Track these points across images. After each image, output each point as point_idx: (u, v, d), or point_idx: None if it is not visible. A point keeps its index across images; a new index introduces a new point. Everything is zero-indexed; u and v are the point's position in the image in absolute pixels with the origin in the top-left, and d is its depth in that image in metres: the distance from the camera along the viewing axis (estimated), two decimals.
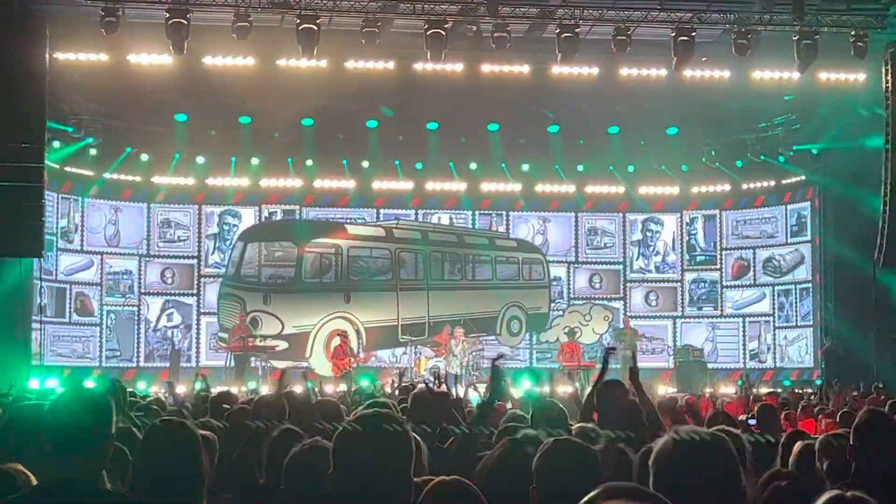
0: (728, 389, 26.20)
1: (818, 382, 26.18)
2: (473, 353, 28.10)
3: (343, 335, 27.48)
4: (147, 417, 8.90)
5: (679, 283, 32.24)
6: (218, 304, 30.21)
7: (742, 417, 13.61)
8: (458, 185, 31.19)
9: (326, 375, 27.74)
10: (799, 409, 15.63)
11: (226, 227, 30.63)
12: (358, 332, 30.11)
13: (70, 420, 4.52)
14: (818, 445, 6.68)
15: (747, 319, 31.52)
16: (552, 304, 32.04)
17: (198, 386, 16.61)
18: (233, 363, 27.43)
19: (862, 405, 15.47)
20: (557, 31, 22.62)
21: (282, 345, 29.39)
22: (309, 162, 29.84)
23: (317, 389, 18.73)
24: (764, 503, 5.58)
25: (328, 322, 30.02)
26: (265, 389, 21.31)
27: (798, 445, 7.18)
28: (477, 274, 31.80)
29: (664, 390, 25.57)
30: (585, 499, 3.19)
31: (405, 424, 3.87)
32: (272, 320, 29.64)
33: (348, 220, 31.15)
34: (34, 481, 4.72)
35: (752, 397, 18.29)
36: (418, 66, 24.25)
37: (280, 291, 30.19)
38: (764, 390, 24.46)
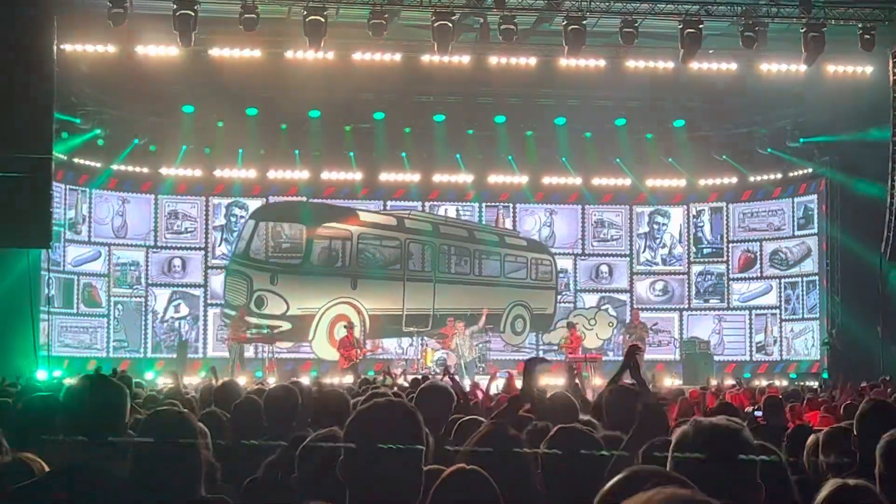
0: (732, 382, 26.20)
1: (825, 376, 26.24)
2: (478, 346, 28.14)
3: (349, 326, 27.51)
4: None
5: (686, 276, 32.25)
6: (224, 280, 30.27)
7: (748, 409, 13.66)
8: (465, 178, 31.18)
9: (328, 360, 27.89)
10: (804, 402, 15.65)
11: (233, 219, 30.68)
12: (362, 318, 30.15)
13: (84, 406, 4.56)
14: (822, 438, 6.70)
15: (754, 312, 31.53)
16: (559, 297, 32.04)
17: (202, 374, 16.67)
18: (232, 353, 27.51)
19: (871, 397, 15.49)
20: (564, 23, 22.63)
21: (285, 325, 29.49)
22: (316, 153, 29.86)
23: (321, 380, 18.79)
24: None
25: (333, 306, 30.08)
26: (273, 380, 21.37)
27: (811, 440, 7.21)
28: (485, 270, 31.80)
29: (671, 382, 25.65)
30: (612, 484, 3.20)
31: (418, 413, 3.90)
32: (277, 300, 29.72)
33: (361, 207, 31.17)
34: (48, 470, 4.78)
35: (757, 390, 18.31)
36: (425, 59, 24.26)
37: (287, 272, 30.22)
38: (766, 383, 24.52)
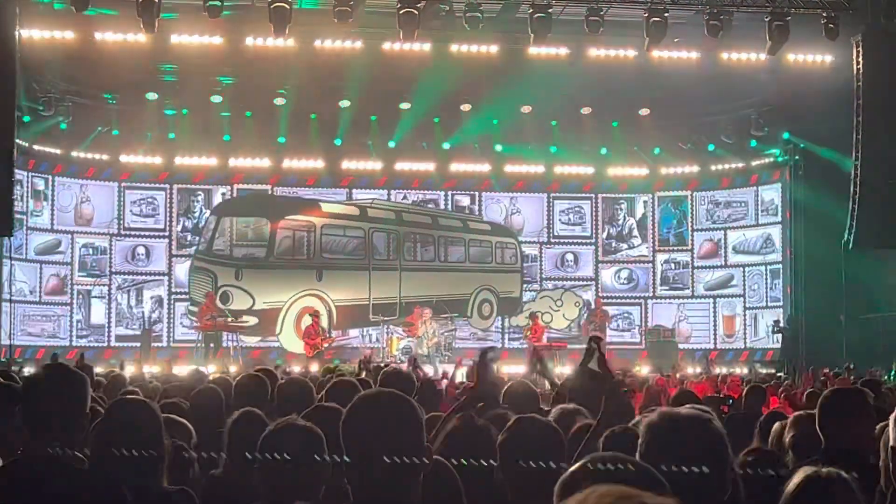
0: (697, 370, 26.33)
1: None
2: (444, 334, 28.14)
3: (315, 315, 27.47)
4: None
5: (650, 264, 32.35)
6: (189, 277, 30.15)
7: (715, 395, 13.72)
8: (430, 166, 31.17)
9: (296, 352, 27.82)
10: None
11: (196, 206, 30.52)
12: (329, 310, 30.10)
13: (44, 397, 4.53)
14: (789, 423, 6.73)
15: (717, 300, 31.68)
16: (524, 285, 32.09)
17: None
18: (203, 343, 27.40)
19: (833, 384, 15.61)
20: (530, 11, 22.61)
21: (252, 320, 29.39)
22: (281, 140, 29.72)
23: (287, 369, 18.75)
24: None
25: (299, 299, 30.02)
26: (234, 369, 21.30)
27: (776, 425, 7.26)
28: (450, 256, 31.79)
29: (636, 370, 25.72)
30: (571, 471, 3.20)
31: (413, 401, 3.88)
32: (243, 295, 29.62)
33: (322, 199, 31.09)
34: None
35: (719, 377, 18.42)
36: (390, 46, 24.20)
37: (252, 267, 30.11)
38: (726, 370, 24.67)
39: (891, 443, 4.45)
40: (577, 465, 3.28)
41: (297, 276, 30.41)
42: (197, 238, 30.41)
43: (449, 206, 31.97)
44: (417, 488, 3.72)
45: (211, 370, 19.42)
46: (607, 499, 2.13)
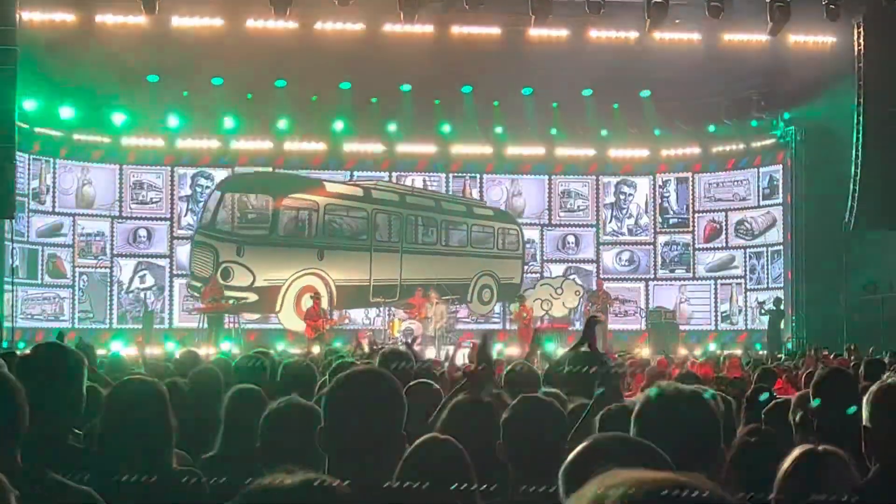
0: (699, 351, 26.35)
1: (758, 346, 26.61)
2: (448, 317, 28.18)
3: (316, 297, 27.48)
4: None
5: (651, 246, 32.33)
6: (190, 251, 30.16)
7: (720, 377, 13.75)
8: (431, 148, 31.14)
9: (295, 331, 27.89)
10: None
11: (198, 189, 30.51)
12: (329, 289, 30.11)
13: (40, 376, 4.52)
14: (794, 400, 6.75)
15: (719, 282, 31.68)
16: (525, 267, 32.09)
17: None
18: (206, 325, 27.43)
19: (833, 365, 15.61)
20: None
21: (252, 297, 29.42)
22: (282, 123, 29.68)
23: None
24: (731, 459, 5.62)
25: (300, 278, 30.02)
26: (238, 350, 21.32)
27: (772, 404, 7.27)
28: (451, 240, 31.77)
29: (636, 352, 25.73)
30: (575, 454, 3.20)
31: (397, 381, 3.91)
32: (244, 272, 29.61)
33: (327, 178, 31.07)
34: None
35: (720, 358, 18.43)
36: (391, 28, 24.16)
37: (254, 243, 30.10)
38: (727, 352, 24.68)
39: (863, 422, 4.48)
40: (579, 448, 3.26)
41: (299, 255, 30.41)
42: (197, 219, 30.37)
43: (450, 189, 31.92)
44: (393, 461, 3.75)
45: (211, 352, 19.47)
46: (634, 489, 1.84)
